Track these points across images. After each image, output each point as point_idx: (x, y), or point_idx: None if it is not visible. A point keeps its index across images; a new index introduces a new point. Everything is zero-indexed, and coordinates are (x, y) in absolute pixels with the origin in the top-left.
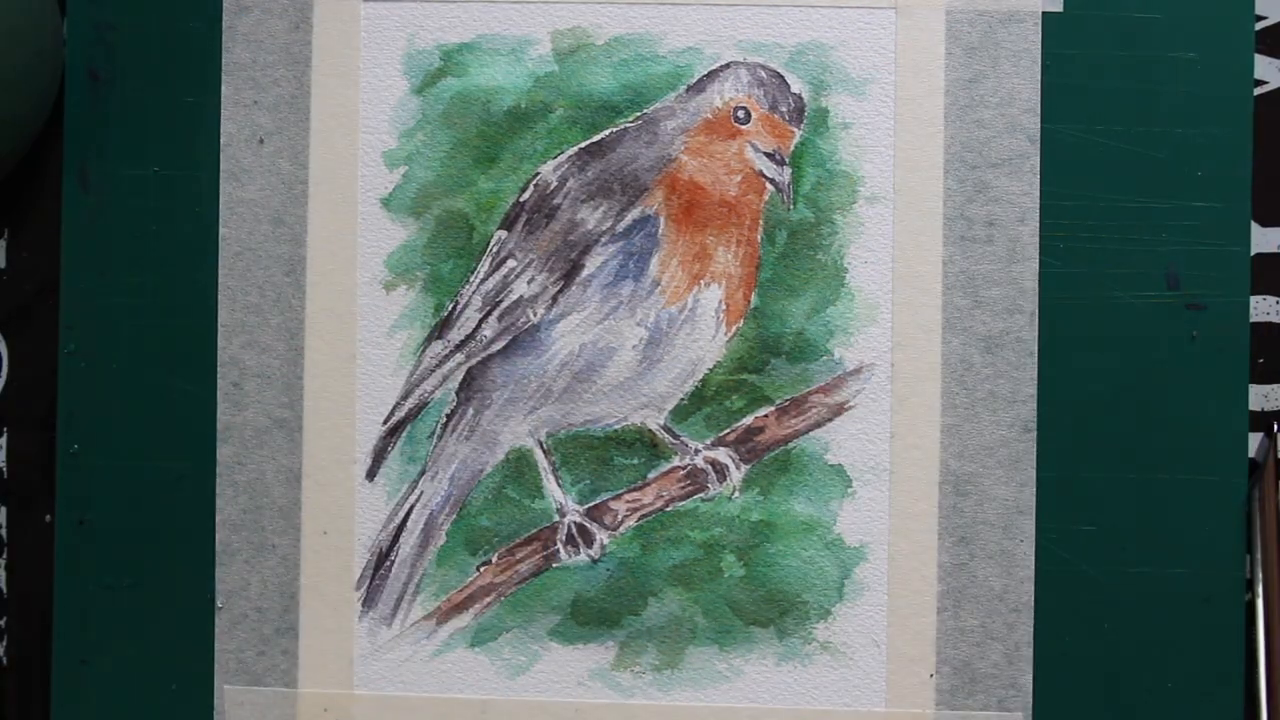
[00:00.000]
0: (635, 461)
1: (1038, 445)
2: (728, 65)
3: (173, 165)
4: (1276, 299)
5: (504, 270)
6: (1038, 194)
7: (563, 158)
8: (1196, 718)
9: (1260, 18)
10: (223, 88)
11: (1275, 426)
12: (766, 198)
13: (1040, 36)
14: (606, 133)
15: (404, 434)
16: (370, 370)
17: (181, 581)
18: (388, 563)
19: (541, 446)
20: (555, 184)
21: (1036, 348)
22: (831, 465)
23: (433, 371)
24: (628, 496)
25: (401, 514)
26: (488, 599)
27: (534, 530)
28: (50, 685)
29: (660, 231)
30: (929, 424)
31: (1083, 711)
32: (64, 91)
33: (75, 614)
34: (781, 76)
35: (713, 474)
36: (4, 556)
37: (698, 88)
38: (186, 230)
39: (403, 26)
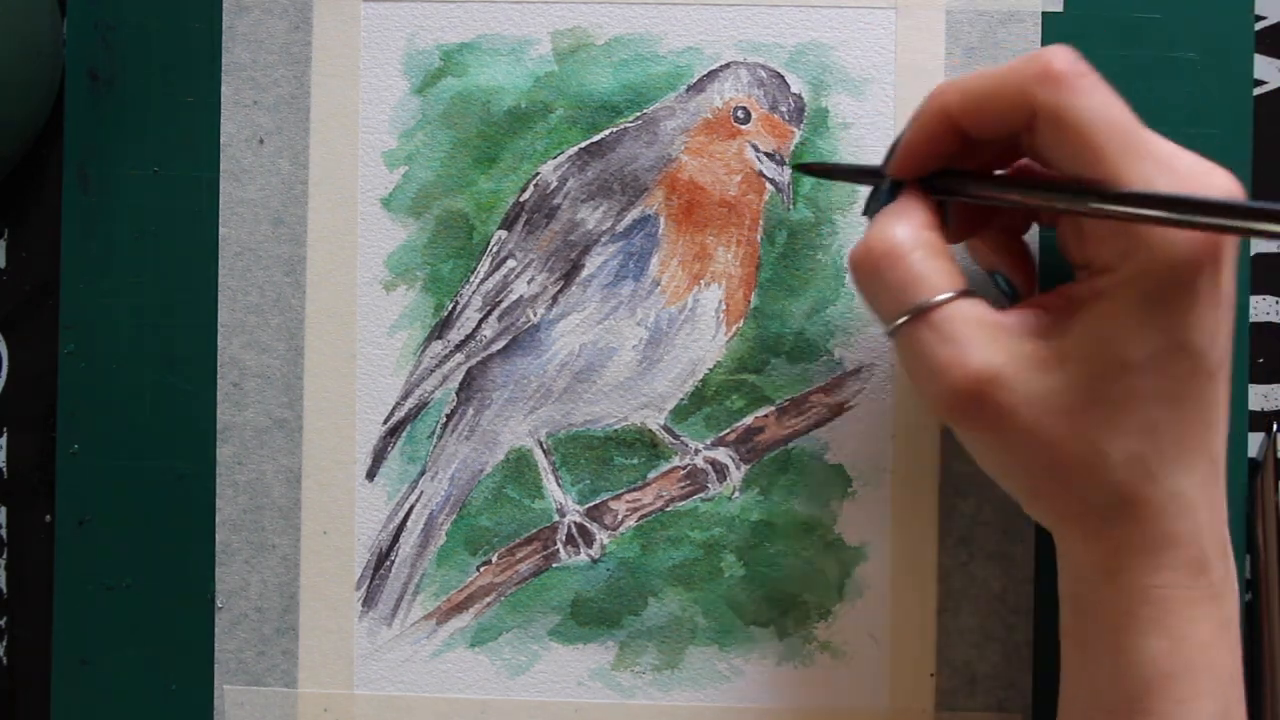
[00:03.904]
0: (635, 461)
1: None
2: (728, 65)
3: (173, 165)
4: (1276, 299)
5: (504, 270)
6: None
7: (563, 158)
8: None
9: (1260, 18)
10: (223, 88)
11: (1275, 426)
12: (766, 198)
13: (1040, 36)
14: (606, 133)
15: (404, 434)
16: (370, 370)
17: (181, 581)
18: (388, 563)
19: (541, 446)
20: (555, 184)
21: None
22: (831, 465)
23: (433, 371)
24: (628, 496)
25: (401, 514)
26: (488, 599)
27: (534, 530)
28: (50, 685)
29: (660, 231)
30: (929, 424)
31: None
32: (64, 91)
33: (75, 614)
34: (781, 76)
35: (713, 474)
36: (4, 556)
37: (698, 88)
38: (186, 230)
39: (403, 26)
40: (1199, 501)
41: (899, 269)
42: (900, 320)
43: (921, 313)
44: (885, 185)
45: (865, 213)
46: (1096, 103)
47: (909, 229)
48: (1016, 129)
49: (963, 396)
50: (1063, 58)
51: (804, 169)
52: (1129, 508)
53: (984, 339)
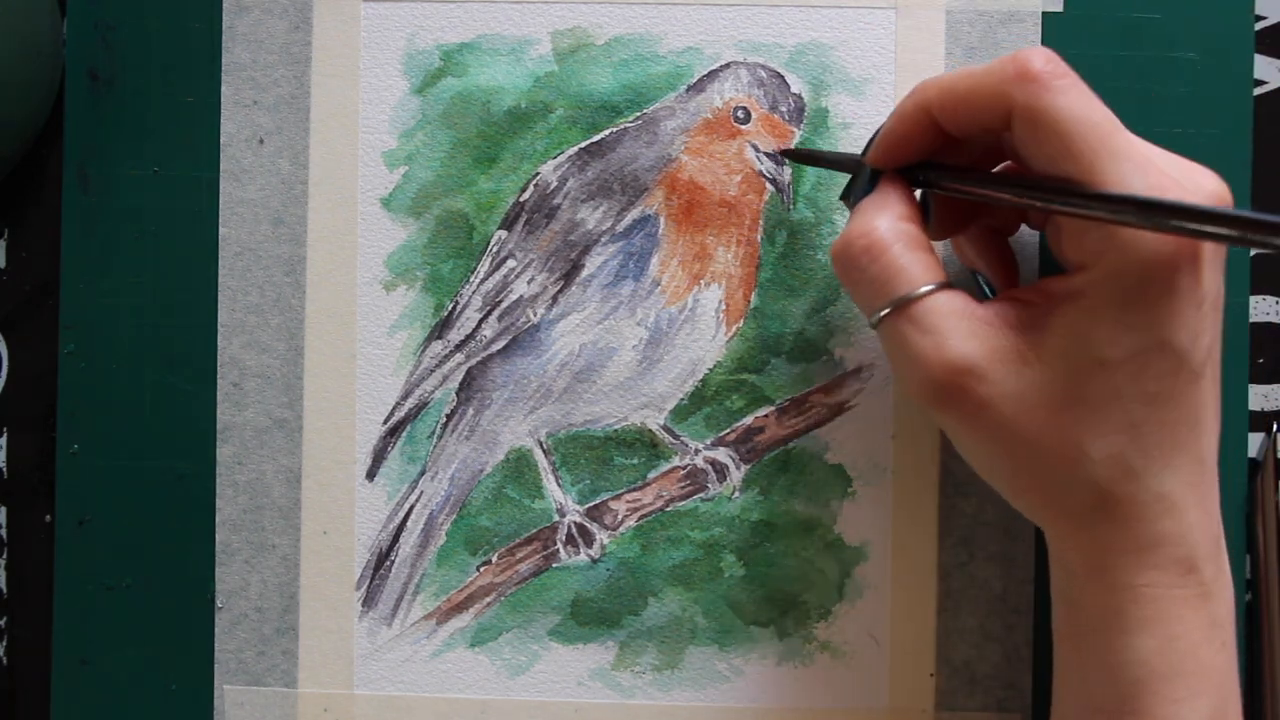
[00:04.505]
0: (635, 461)
1: None
2: (728, 65)
3: (173, 165)
4: (1276, 299)
5: (504, 270)
6: None
7: (563, 158)
8: None
9: (1260, 18)
10: (223, 88)
11: (1275, 426)
12: (766, 198)
13: (1040, 36)
14: (606, 133)
15: (404, 434)
16: (370, 370)
17: (181, 581)
18: (388, 563)
19: (541, 446)
20: (555, 184)
21: None
22: (831, 465)
23: (433, 371)
24: (628, 496)
25: (401, 514)
26: (488, 599)
27: (534, 530)
28: (50, 685)
29: (660, 231)
30: (929, 424)
31: None
32: (64, 91)
33: (75, 614)
34: (781, 76)
35: (713, 474)
36: (4, 556)
37: (698, 88)
38: (186, 230)
39: (403, 26)
40: (1186, 502)
41: (879, 262)
42: (881, 312)
43: (901, 305)
44: (865, 174)
45: (842, 197)
46: (1073, 103)
47: (888, 221)
48: (995, 128)
49: (941, 387)
50: (1040, 58)
51: (788, 155)
52: (1112, 506)
53: (963, 331)
